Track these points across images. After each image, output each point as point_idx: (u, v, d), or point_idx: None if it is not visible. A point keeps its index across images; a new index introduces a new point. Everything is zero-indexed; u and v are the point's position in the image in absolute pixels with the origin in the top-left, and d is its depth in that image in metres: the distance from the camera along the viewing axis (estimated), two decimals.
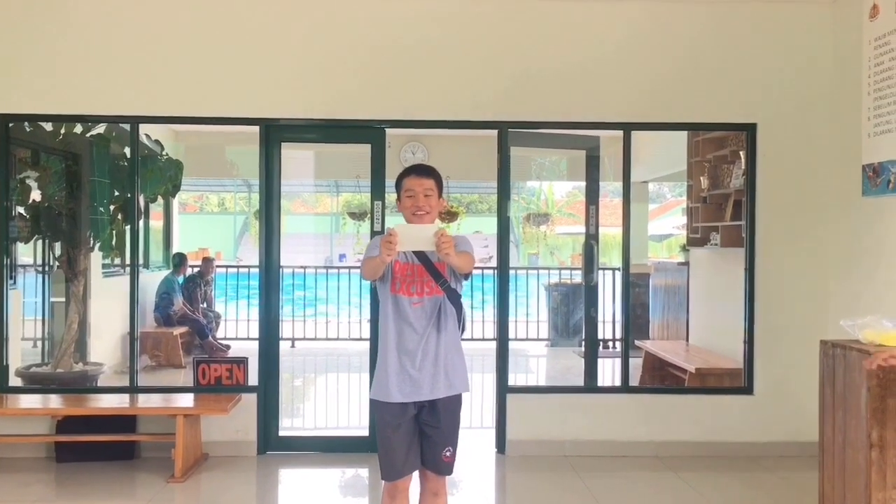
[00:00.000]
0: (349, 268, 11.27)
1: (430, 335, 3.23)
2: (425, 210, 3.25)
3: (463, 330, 3.38)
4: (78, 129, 6.40)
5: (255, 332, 5.93)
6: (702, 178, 7.32)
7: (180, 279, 8.96)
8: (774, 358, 5.71)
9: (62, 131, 6.36)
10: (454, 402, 3.30)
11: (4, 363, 5.61)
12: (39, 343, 7.10)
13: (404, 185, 3.30)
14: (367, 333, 6.31)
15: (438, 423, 3.26)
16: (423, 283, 3.23)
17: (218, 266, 11.08)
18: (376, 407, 3.30)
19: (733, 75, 5.72)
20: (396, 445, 3.23)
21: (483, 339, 9.89)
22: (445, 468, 3.32)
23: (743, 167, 6.02)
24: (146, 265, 8.39)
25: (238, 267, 11.14)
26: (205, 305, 9.18)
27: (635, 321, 8.39)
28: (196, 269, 9.29)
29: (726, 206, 6.86)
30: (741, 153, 6.17)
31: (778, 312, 5.71)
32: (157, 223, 9.42)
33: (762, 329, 5.73)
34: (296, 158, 9.68)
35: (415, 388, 3.20)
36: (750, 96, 5.73)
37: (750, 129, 5.77)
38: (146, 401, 5.53)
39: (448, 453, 3.29)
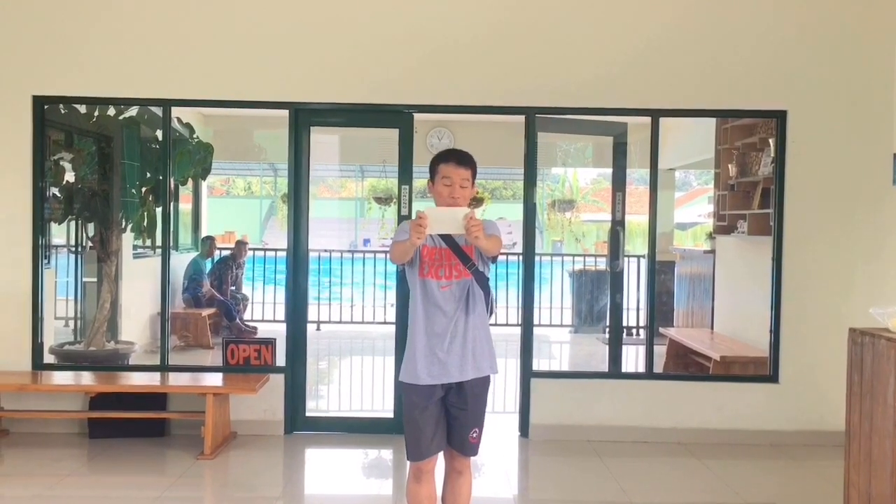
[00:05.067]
0: (374, 252, 11.34)
1: (459, 318, 3.24)
2: (459, 201, 3.25)
3: (491, 313, 3.38)
4: (111, 111, 6.51)
5: (280, 315, 6.01)
6: (730, 166, 7.28)
7: (208, 262, 9.08)
8: (800, 346, 5.69)
9: (95, 114, 6.47)
10: (481, 385, 3.32)
11: (39, 341, 5.73)
12: (72, 322, 7.24)
13: (441, 171, 3.27)
14: (391, 317, 6.37)
15: (465, 405, 3.28)
16: (452, 266, 3.25)
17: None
18: (404, 389, 3.33)
19: (763, 62, 5.68)
20: (423, 426, 3.26)
21: (507, 325, 9.94)
22: (471, 449, 3.34)
23: (772, 155, 5.98)
24: (175, 247, 8.50)
25: (265, 250, 11.25)
26: (233, 288, 9.29)
27: (660, 308, 8.38)
28: (228, 252, 9.40)
29: (754, 194, 6.83)
30: (770, 140, 6.13)
31: (805, 301, 5.69)
32: (185, 206, 9.54)
33: (788, 317, 5.71)
34: (322, 143, 9.73)
35: (443, 370, 3.23)
36: (780, 83, 5.68)
37: (780, 117, 5.72)
38: (176, 379, 5.63)
39: (475, 434, 3.32)
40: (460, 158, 3.30)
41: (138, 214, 6.78)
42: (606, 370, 6.54)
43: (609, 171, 6.47)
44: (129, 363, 6.58)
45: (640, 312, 8.80)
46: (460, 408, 3.29)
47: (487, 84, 5.67)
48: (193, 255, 9.10)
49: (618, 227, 6.05)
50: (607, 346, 6.64)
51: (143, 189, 6.80)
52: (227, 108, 6.23)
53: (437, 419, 3.28)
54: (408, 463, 3.38)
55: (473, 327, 3.27)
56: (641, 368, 6.20)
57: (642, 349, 6.09)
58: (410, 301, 3.33)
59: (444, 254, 3.25)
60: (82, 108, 6.35)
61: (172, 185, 6.90)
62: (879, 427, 3.46)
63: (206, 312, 8.47)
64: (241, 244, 9.57)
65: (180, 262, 8.76)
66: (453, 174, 3.25)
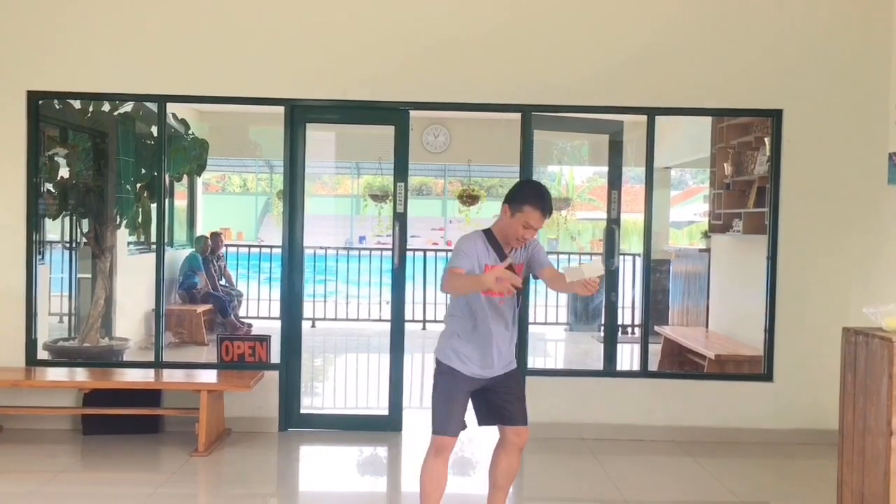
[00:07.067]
0: (370, 249, 11.32)
1: (508, 327, 3.59)
2: (527, 240, 3.51)
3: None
4: (106, 107, 6.48)
5: (276, 312, 6.00)
6: (725, 165, 7.29)
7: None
8: (795, 345, 5.70)
9: (90, 109, 6.44)
10: (516, 371, 3.72)
11: (33, 337, 5.71)
12: (66, 318, 7.22)
13: (527, 213, 3.42)
14: (386, 314, 6.37)
15: (513, 386, 3.66)
16: None
17: (240, 246, 11.19)
18: (449, 371, 3.55)
19: (759, 61, 5.68)
20: (458, 406, 3.56)
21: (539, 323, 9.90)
22: (526, 416, 3.67)
23: (767, 154, 5.99)
24: (170, 243, 8.48)
25: (260, 247, 11.23)
26: (223, 282, 9.25)
27: (655, 307, 8.39)
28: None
29: (750, 193, 6.83)
30: (766, 139, 6.13)
31: (799, 300, 5.69)
32: (180, 202, 9.51)
33: (783, 316, 5.71)
34: (318, 140, 9.73)
35: (490, 368, 3.55)
36: (776, 82, 5.69)
37: (775, 115, 5.73)
38: (171, 376, 5.62)
39: (525, 402, 3.70)
40: (548, 208, 3.47)
41: (133, 211, 6.75)
42: (601, 368, 6.53)
43: (605, 169, 6.47)
44: (124, 359, 6.55)
45: (636, 311, 8.81)
46: (510, 386, 3.64)
47: (484, 81, 5.67)
48: (188, 251, 9.08)
49: (613, 226, 6.05)
50: (602, 345, 6.64)
51: (138, 185, 6.77)
52: (223, 105, 6.23)
53: (466, 404, 3.61)
54: (433, 437, 3.58)
55: (512, 334, 3.63)
56: (636, 367, 6.21)
57: (637, 347, 6.10)
58: (464, 304, 3.55)
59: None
60: (77, 104, 6.32)
61: (167, 182, 6.89)
62: (873, 426, 3.47)
63: (200, 309, 8.44)
64: (215, 236, 9.49)
65: (175, 258, 8.74)
66: (537, 223, 3.44)
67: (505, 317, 3.56)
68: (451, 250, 3.77)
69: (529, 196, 3.45)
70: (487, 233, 3.56)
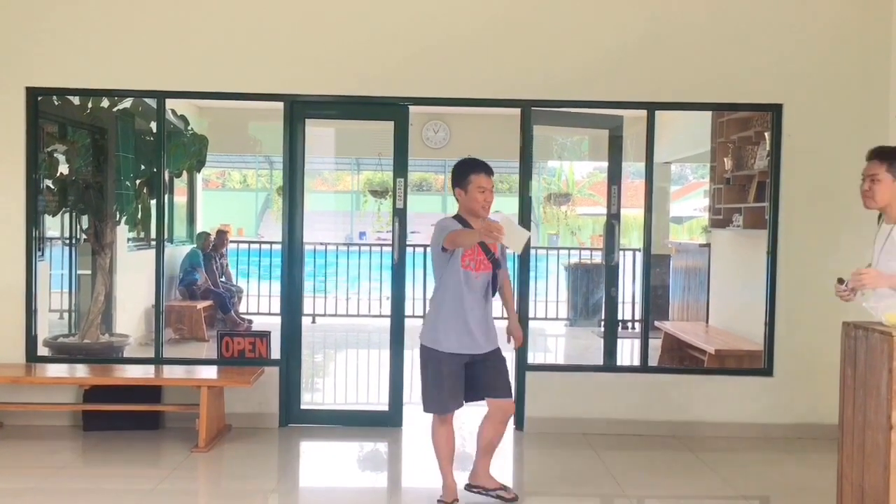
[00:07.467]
0: (370, 245, 11.31)
1: (483, 302, 4.01)
2: (490, 203, 3.97)
3: (495, 292, 4.13)
4: (105, 103, 6.48)
5: (276, 308, 6.00)
6: (725, 159, 7.28)
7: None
8: (795, 340, 5.70)
9: (89, 105, 6.44)
10: (498, 349, 4.15)
11: (33, 333, 5.71)
12: (66, 314, 7.22)
13: (474, 181, 3.95)
14: (386, 310, 6.37)
15: (497, 363, 4.10)
16: (480, 261, 3.98)
17: (240, 242, 11.18)
18: (434, 355, 3.99)
19: (759, 55, 5.67)
20: (451, 385, 3.99)
21: (503, 318, 9.92)
22: (511, 390, 4.18)
23: (767, 148, 5.98)
24: (170, 240, 8.47)
25: (260, 243, 11.23)
26: (223, 279, 9.25)
27: (655, 302, 8.37)
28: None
29: (750, 188, 6.83)
30: (766, 134, 6.13)
31: (799, 294, 5.69)
32: (180, 199, 9.50)
33: (783, 311, 5.71)
34: (317, 135, 9.72)
35: (474, 343, 3.98)
36: (776, 76, 5.68)
37: (775, 110, 5.72)
38: (171, 372, 5.63)
39: (509, 377, 4.15)
40: (488, 169, 4.01)
41: (133, 207, 6.75)
42: (601, 363, 6.53)
43: (605, 164, 6.47)
44: (124, 356, 6.56)
45: (636, 306, 8.81)
46: (494, 364, 4.07)
47: (483, 77, 5.66)
48: (188, 248, 9.07)
49: (613, 221, 6.04)
50: (602, 340, 6.65)
51: (138, 181, 6.77)
52: (222, 100, 6.23)
53: (461, 380, 4.00)
54: (433, 415, 4.12)
55: (489, 310, 4.06)
56: (636, 362, 6.20)
57: (637, 342, 6.09)
58: (445, 285, 3.99)
59: (476, 249, 3.97)
60: (76, 100, 6.32)
61: (167, 178, 6.89)
62: (873, 420, 3.47)
63: (201, 305, 8.44)
64: (221, 233, 9.47)
65: (175, 254, 8.74)
66: (486, 184, 3.96)
67: (479, 291, 3.96)
68: None
69: (466, 168, 4.01)
70: (457, 217, 4.04)
